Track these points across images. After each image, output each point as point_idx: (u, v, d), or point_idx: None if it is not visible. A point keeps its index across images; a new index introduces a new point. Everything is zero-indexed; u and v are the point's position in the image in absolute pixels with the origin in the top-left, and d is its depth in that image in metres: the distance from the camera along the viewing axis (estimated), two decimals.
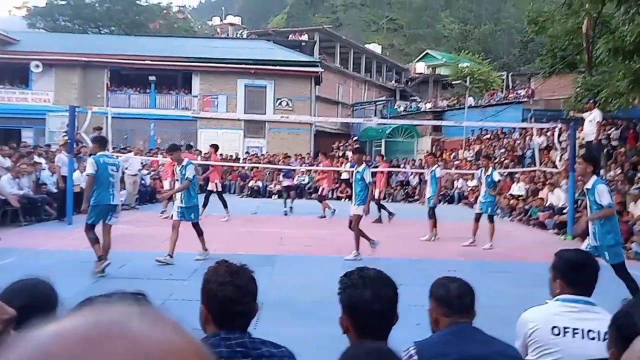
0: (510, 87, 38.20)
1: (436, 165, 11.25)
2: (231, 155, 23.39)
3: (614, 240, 5.78)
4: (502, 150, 22.49)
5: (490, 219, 10.03)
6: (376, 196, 13.57)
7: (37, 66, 25.25)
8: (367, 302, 1.87)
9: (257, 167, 21.33)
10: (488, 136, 26.30)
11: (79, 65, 25.96)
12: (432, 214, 10.78)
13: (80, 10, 43.28)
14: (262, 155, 24.80)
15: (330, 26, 50.34)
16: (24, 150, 14.03)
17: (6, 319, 1.25)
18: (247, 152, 25.90)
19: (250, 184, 21.50)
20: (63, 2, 43.43)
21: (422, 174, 19.77)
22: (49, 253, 8.11)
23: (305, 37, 39.45)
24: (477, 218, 10.21)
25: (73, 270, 6.88)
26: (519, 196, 15.87)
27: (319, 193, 15.05)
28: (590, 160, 6.17)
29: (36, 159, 12.92)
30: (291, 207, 14.82)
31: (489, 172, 10.19)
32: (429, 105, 38.78)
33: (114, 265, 6.94)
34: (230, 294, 1.83)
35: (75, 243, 8.27)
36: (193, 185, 8.12)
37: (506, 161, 20.13)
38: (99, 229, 6.98)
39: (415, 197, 20.60)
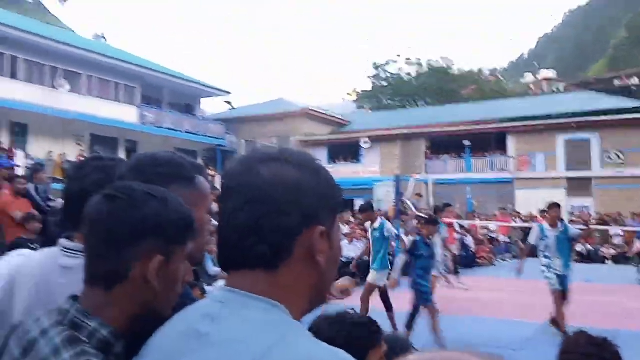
0: None
1: None
2: None
3: None
4: None
5: None
6: None
7: (366, 142, 28.63)
8: None
9: (587, 229, 19.23)
10: None
11: (400, 138, 28.47)
12: None
13: (400, 88, 48.07)
14: (591, 215, 22.36)
15: None
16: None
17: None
18: (571, 213, 23.75)
19: (577, 248, 19.49)
20: (385, 84, 49.10)
21: None
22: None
23: (635, 80, 35.01)
24: None
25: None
26: None
27: None
28: None
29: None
30: None
31: None
32: None
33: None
34: None
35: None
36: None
37: None
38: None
39: None
